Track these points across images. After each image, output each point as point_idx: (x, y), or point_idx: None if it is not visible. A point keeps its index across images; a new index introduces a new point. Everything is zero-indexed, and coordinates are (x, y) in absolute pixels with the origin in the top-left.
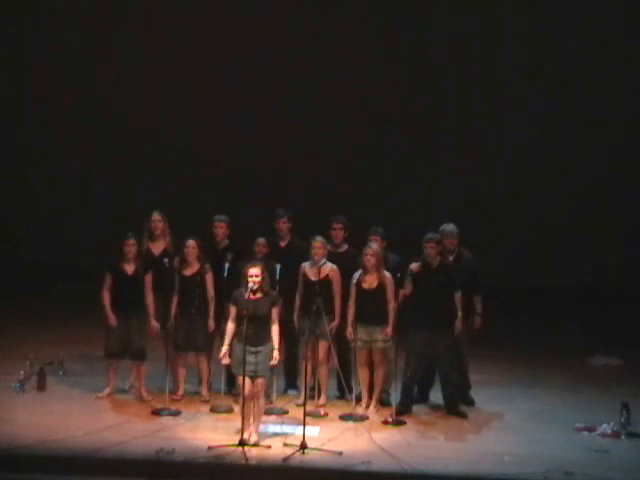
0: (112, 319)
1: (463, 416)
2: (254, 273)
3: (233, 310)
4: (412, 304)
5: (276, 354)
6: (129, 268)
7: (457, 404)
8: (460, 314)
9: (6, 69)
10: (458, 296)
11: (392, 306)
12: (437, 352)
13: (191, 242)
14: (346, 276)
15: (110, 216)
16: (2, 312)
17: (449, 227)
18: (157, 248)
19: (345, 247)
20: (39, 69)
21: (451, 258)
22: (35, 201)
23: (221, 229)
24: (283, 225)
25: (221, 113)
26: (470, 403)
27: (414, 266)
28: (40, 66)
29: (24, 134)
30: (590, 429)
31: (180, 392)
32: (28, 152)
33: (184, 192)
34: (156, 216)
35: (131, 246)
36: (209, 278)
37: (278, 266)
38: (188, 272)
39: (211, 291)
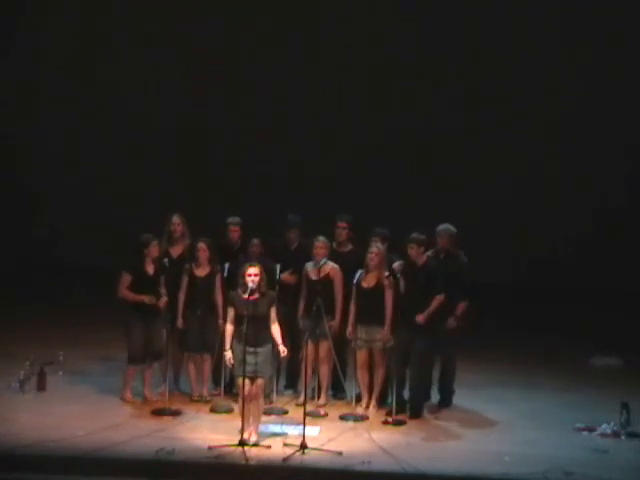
0: (148, 298)
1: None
2: (253, 272)
3: (232, 312)
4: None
5: (283, 348)
6: (150, 269)
7: (420, 409)
8: (426, 312)
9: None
10: (439, 297)
11: (389, 308)
12: (412, 351)
13: (201, 244)
14: (349, 276)
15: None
16: (3, 312)
17: (441, 227)
18: (176, 251)
19: (350, 247)
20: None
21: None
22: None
23: (236, 232)
24: (294, 234)
25: (224, 113)
26: (446, 405)
27: (396, 266)
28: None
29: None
30: (590, 429)
31: (204, 391)
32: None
33: (185, 193)
34: (176, 219)
35: (156, 247)
36: (219, 279)
37: (278, 266)
38: (201, 273)
39: (220, 291)
